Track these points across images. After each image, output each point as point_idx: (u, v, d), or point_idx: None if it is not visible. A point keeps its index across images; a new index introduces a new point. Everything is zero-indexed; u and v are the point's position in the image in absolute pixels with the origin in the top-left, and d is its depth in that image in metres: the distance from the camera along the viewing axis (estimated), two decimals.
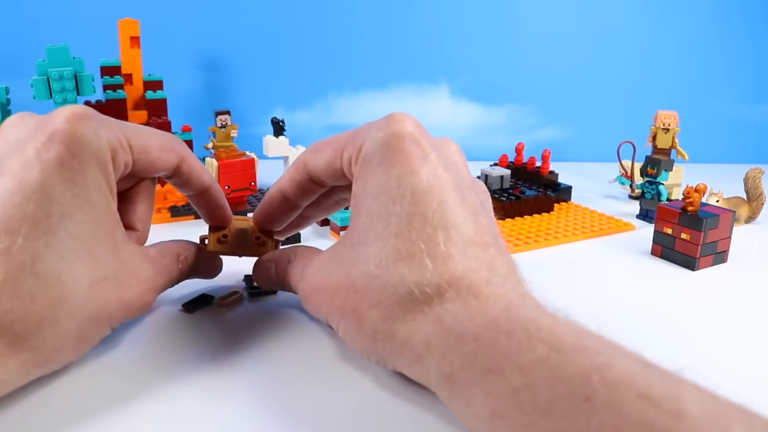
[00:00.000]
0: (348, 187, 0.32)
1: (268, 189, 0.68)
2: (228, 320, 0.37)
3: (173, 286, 0.36)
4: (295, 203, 0.35)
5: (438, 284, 0.25)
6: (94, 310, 0.28)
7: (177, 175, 0.34)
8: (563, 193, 0.67)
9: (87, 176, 0.27)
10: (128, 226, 0.34)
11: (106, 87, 0.59)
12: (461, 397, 0.23)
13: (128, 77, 0.61)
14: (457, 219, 0.26)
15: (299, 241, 0.52)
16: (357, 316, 0.27)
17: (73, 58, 0.54)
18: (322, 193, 0.35)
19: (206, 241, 0.38)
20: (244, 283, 0.42)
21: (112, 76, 0.59)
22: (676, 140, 0.68)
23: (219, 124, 0.62)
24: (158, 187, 0.55)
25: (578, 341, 0.21)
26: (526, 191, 0.63)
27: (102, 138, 0.28)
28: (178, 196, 0.58)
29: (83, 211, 0.27)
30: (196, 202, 0.37)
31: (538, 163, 0.70)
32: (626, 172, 0.67)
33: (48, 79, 0.53)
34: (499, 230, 0.29)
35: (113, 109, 0.59)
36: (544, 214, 0.62)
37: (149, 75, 0.63)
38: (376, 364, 0.29)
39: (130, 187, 0.35)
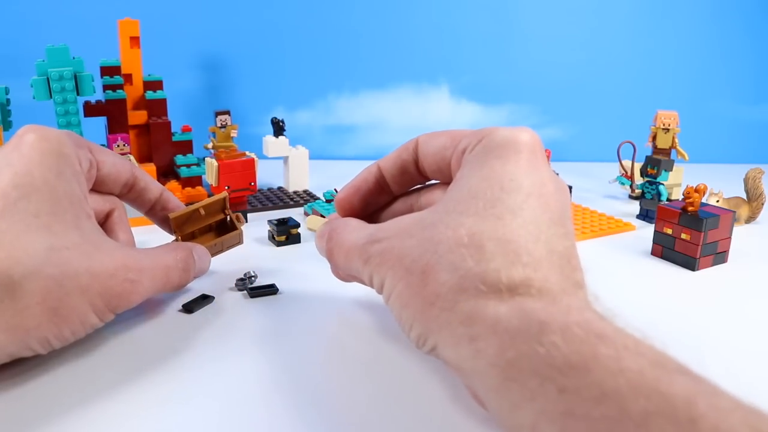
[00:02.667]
0: (427, 192, 0.34)
1: (268, 189, 0.68)
2: (228, 320, 0.37)
3: (178, 281, 0.36)
4: (386, 185, 0.35)
5: (528, 278, 0.24)
6: (57, 274, 0.28)
7: (135, 182, 0.38)
8: None
9: (45, 165, 0.30)
10: None
11: (105, 87, 0.59)
12: (522, 388, 0.21)
13: (128, 77, 0.61)
14: (558, 231, 0.26)
15: (299, 242, 0.52)
16: (424, 277, 0.25)
17: (73, 58, 0.54)
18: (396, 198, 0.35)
19: (175, 237, 0.41)
20: (236, 287, 0.42)
21: (112, 76, 0.59)
22: (676, 140, 0.68)
23: (219, 124, 0.62)
24: None
25: (679, 366, 0.20)
26: None
27: (60, 134, 0.32)
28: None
29: (41, 192, 0.29)
30: (157, 209, 0.41)
31: None
32: (626, 172, 0.67)
33: (48, 79, 0.53)
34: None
35: (113, 109, 0.59)
36: None
37: (149, 75, 0.63)
38: (413, 340, 0.27)
39: (107, 218, 0.38)
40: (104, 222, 0.38)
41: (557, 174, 0.29)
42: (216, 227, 0.43)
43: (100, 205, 0.37)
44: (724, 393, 0.19)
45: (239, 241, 0.44)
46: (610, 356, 0.20)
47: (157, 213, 0.41)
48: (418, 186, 0.35)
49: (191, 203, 0.42)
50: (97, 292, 0.30)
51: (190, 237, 0.42)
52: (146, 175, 0.40)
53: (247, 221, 0.58)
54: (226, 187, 0.56)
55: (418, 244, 0.26)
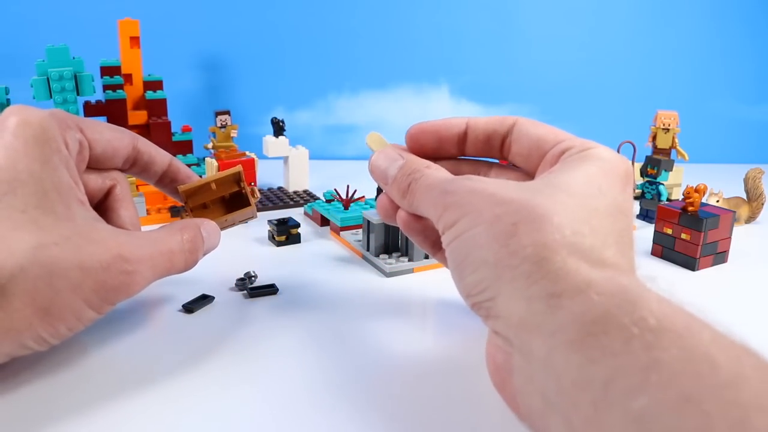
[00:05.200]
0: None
1: (268, 189, 0.68)
2: (228, 320, 0.37)
3: (184, 265, 0.34)
4: (462, 143, 0.34)
5: (617, 263, 0.25)
6: (45, 273, 0.27)
7: (138, 156, 0.36)
8: None
9: (30, 154, 0.29)
10: None
11: (105, 87, 0.59)
12: (604, 345, 0.20)
13: (128, 77, 0.61)
14: (630, 242, 0.28)
15: (299, 242, 0.52)
16: (512, 228, 0.25)
17: (73, 58, 0.54)
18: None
19: (185, 209, 0.39)
20: (236, 287, 0.42)
21: (112, 76, 0.59)
22: (676, 140, 0.68)
23: (219, 124, 0.62)
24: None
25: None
26: None
27: (44, 117, 0.30)
28: None
29: (26, 186, 0.28)
30: (167, 182, 0.38)
31: None
32: None
33: (48, 79, 0.53)
34: None
35: (113, 109, 0.59)
36: None
37: (149, 75, 0.63)
38: (468, 285, 0.26)
39: (108, 195, 0.36)
40: (104, 200, 0.36)
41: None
42: (229, 199, 0.41)
43: (99, 184, 0.35)
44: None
45: (253, 215, 0.41)
46: (703, 328, 0.21)
47: (166, 184, 0.39)
48: (489, 161, 0.35)
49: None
50: (90, 287, 0.28)
51: (201, 208, 0.40)
52: (151, 146, 0.37)
53: (247, 221, 0.58)
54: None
55: (514, 203, 0.26)
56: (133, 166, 0.37)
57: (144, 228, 0.38)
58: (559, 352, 0.22)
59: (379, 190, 0.46)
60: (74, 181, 0.31)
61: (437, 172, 0.31)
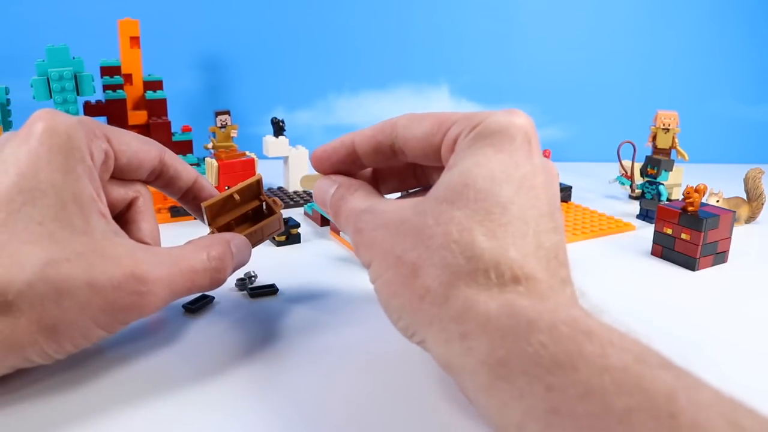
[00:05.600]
0: (412, 174, 0.35)
1: (268, 189, 0.69)
2: (228, 320, 0.37)
3: (209, 284, 0.32)
4: (359, 160, 0.33)
5: (516, 274, 0.24)
6: (52, 291, 0.26)
7: (164, 169, 0.35)
8: (563, 193, 0.67)
9: (53, 163, 0.28)
10: None
11: (106, 87, 0.59)
12: (511, 387, 0.21)
13: (128, 77, 0.61)
14: (546, 226, 0.26)
15: (299, 242, 0.52)
16: (413, 269, 0.25)
17: (73, 58, 0.54)
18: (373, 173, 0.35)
19: (210, 229, 0.37)
20: (236, 287, 0.42)
21: (112, 76, 0.59)
22: (676, 140, 0.68)
23: (219, 124, 0.62)
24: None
25: (662, 360, 0.20)
26: None
27: (71, 125, 0.29)
28: None
29: (46, 196, 0.28)
30: (189, 198, 0.37)
31: None
32: (626, 172, 0.67)
33: (48, 79, 0.53)
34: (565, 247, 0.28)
35: (113, 109, 0.59)
36: None
37: (149, 75, 0.63)
38: (401, 330, 0.27)
39: (129, 207, 0.35)
40: (126, 212, 0.35)
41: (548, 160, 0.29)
42: (252, 216, 0.40)
43: (122, 195, 0.34)
44: (705, 386, 0.19)
45: (279, 227, 0.40)
46: (596, 353, 0.20)
47: (189, 201, 0.38)
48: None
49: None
50: (98, 307, 0.27)
51: (226, 229, 0.38)
52: (178, 161, 0.36)
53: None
54: (226, 188, 0.56)
55: (410, 232, 0.26)
56: (158, 179, 0.36)
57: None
58: (480, 395, 0.23)
59: None
60: (96, 192, 0.30)
61: (356, 200, 0.31)
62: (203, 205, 0.36)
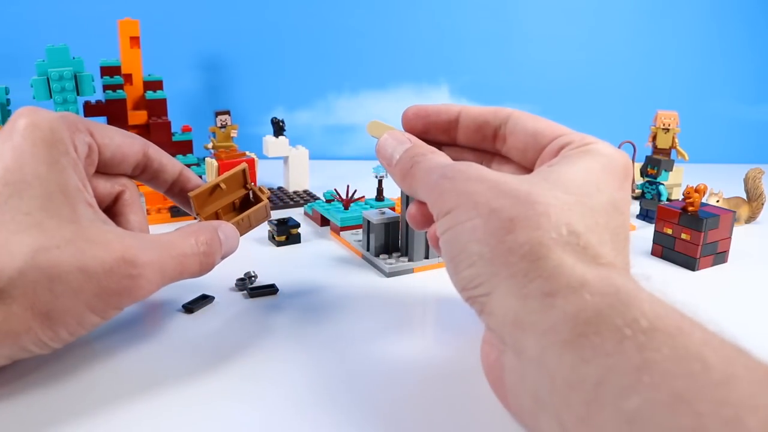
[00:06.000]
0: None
1: (268, 189, 0.68)
2: (228, 320, 0.37)
3: (199, 269, 0.33)
4: (454, 132, 0.34)
5: (612, 262, 0.25)
6: (44, 278, 0.26)
7: (148, 163, 0.36)
8: None
9: (38, 156, 0.29)
10: None
11: (105, 87, 0.59)
12: (600, 342, 0.21)
13: (128, 77, 0.61)
14: (626, 250, 0.28)
15: (299, 242, 0.52)
16: (511, 224, 0.25)
17: (73, 58, 0.54)
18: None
19: (197, 219, 0.38)
20: (236, 287, 0.42)
21: (112, 76, 0.59)
22: (676, 140, 0.68)
23: (219, 124, 0.62)
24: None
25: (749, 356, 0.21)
26: None
27: (53, 119, 0.30)
28: None
29: (32, 188, 0.28)
30: (176, 191, 0.38)
31: None
32: None
33: (48, 79, 0.53)
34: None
35: (113, 109, 0.59)
36: None
37: (149, 75, 0.63)
38: (464, 278, 0.26)
39: (117, 200, 0.36)
40: (113, 205, 0.36)
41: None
42: (240, 206, 0.41)
43: (108, 189, 0.35)
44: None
45: (267, 215, 0.41)
46: (695, 328, 0.20)
47: (176, 193, 0.38)
48: (491, 150, 0.35)
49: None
50: (91, 292, 0.27)
51: (213, 218, 0.39)
52: (162, 154, 0.37)
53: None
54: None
55: (511, 197, 0.26)
56: (143, 173, 0.36)
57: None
58: (551, 351, 0.22)
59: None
60: (82, 183, 0.30)
61: (440, 157, 0.31)
62: (190, 194, 0.37)
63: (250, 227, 0.40)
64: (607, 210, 0.27)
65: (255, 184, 0.40)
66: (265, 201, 0.40)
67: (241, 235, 0.37)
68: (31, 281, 0.26)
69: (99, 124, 0.33)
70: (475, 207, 0.26)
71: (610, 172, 0.29)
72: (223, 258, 0.35)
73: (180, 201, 0.39)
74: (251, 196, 0.40)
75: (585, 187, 0.27)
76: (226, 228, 0.35)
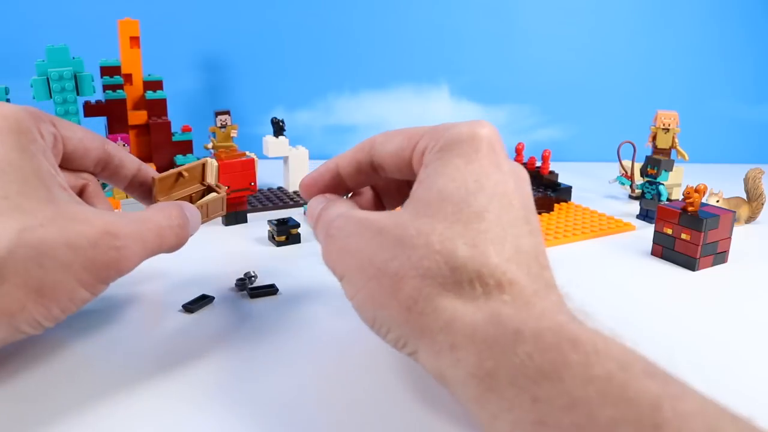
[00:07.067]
0: (396, 188, 0.35)
1: (268, 189, 0.69)
2: (228, 320, 0.37)
3: (175, 240, 0.34)
4: (344, 182, 0.35)
5: (500, 281, 0.24)
6: (34, 254, 0.27)
7: (109, 159, 0.37)
8: (563, 193, 0.67)
9: (7, 144, 0.29)
10: None
11: (105, 87, 0.59)
12: (500, 399, 0.22)
13: (128, 77, 0.61)
14: (522, 230, 0.26)
15: (299, 242, 0.52)
16: (396, 280, 0.25)
17: (73, 58, 0.54)
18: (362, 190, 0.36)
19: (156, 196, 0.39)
20: (236, 287, 0.42)
21: (111, 76, 0.59)
22: (676, 140, 0.68)
23: (219, 124, 0.62)
24: None
25: (648, 367, 0.20)
26: None
27: (17, 110, 0.30)
28: None
29: (6, 174, 0.28)
30: (136, 185, 0.39)
31: (538, 163, 0.70)
32: (626, 172, 0.67)
33: (48, 79, 0.53)
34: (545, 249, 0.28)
35: (113, 109, 0.59)
36: (544, 214, 0.62)
37: (149, 75, 0.63)
38: (390, 342, 0.26)
39: (81, 194, 0.36)
40: (79, 197, 0.36)
41: (517, 164, 0.29)
42: (197, 199, 0.42)
43: (72, 182, 0.35)
44: (691, 394, 0.19)
45: (222, 209, 0.43)
46: (581, 363, 0.20)
47: (136, 188, 0.39)
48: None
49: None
50: (80, 265, 0.28)
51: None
52: (121, 151, 0.38)
53: (246, 221, 0.58)
54: (226, 188, 0.56)
55: (390, 243, 0.26)
56: (104, 169, 0.37)
57: None
58: (471, 406, 0.23)
59: None
60: (53, 168, 0.31)
61: (337, 208, 0.31)
62: (155, 177, 0.38)
63: (207, 217, 0.41)
64: (491, 209, 0.26)
65: (216, 182, 0.42)
66: (223, 194, 0.42)
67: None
68: (21, 259, 0.26)
69: (59, 119, 0.34)
70: (361, 271, 0.27)
71: (482, 159, 0.27)
72: (192, 233, 0.36)
73: (139, 195, 0.39)
74: (207, 192, 0.42)
75: (459, 194, 0.26)
76: (189, 207, 0.36)
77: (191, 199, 0.41)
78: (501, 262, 0.24)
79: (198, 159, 0.63)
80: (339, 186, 0.35)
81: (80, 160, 0.35)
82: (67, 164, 0.35)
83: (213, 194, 0.42)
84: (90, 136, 0.36)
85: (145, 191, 0.39)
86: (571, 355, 0.21)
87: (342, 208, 0.31)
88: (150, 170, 0.39)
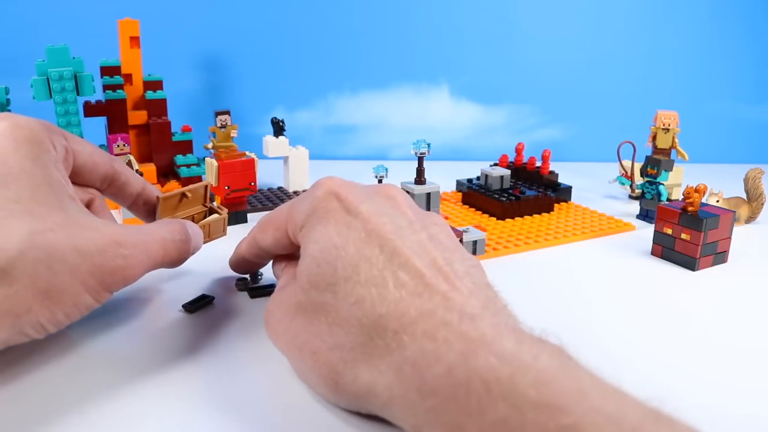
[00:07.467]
0: None
1: (268, 189, 0.69)
2: (228, 320, 0.37)
3: (177, 254, 0.35)
4: (257, 263, 0.39)
5: (394, 330, 0.25)
6: (44, 256, 0.27)
7: (116, 175, 0.38)
8: (563, 193, 0.67)
9: (20, 153, 0.30)
10: None
11: (105, 87, 0.59)
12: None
13: (128, 77, 0.61)
14: (401, 260, 0.27)
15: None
16: (315, 359, 0.27)
17: (73, 58, 0.54)
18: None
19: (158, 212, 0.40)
20: (236, 287, 0.42)
21: (111, 76, 0.59)
22: (676, 140, 0.68)
23: (219, 124, 0.62)
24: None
25: (541, 395, 0.20)
26: (526, 191, 0.63)
27: (32, 121, 0.31)
28: None
29: (19, 180, 0.29)
30: (140, 204, 0.40)
31: (538, 163, 0.70)
32: (626, 172, 0.67)
33: (48, 79, 0.53)
34: (466, 256, 0.29)
35: (113, 109, 0.59)
36: (544, 214, 0.62)
37: (149, 75, 0.63)
38: (345, 409, 0.28)
39: (88, 207, 0.37)
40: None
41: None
42: (200, 219, 0.43)
43: (79, 196, 0.36)
44: (585, 425, 0.19)
45: (224, 230, 0.44)
46: (480, 406, 0.21)
47: (140, 207, 0.40)
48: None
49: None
50: (87, 270, 0.29)
51: None
52: (127, 169, 0.39)
53: (247, 221, 0.58)
54: (226, 188, 0.56)
55: (301, 325, 0.29)
56: (110, 186, 0.38)
57: None
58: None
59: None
60: (63, 178, 0.32)
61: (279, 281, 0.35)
62: (159, 197, 0.39)
63: (209, 237, 0.43)
64: (358, 254, 0.28)
65: (217, 203, 0.44)
66: (224, 215, 0.43)
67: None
68: (30, 260, 0.27)
69: (70, 134, 0.35)
70: (290, 350, 0.30)
71: (325, 223, 0.29)
72: (193, 252, 0.37)
73: (143, 214, 0.41)
74: (209, 213, 0.44)
75: (330, 259, 0.28)
76: (192, 226, 0.38)
77: (194, 219, 0.42)
78: (388, 308, 0.26)
79: (199, 159, 0.64)
80: (256, 265, 0.40)
81: (88, 174, 0.36)
82: (75, 178, 0.36)
83: (215, 215, 0.43)
84: (99, 153, 0.37)
85: (148, 210, 0.40)
86: (465, 404, 0.22)
87: (279, 284, 0.34)
88: (154, 190, 0.40)
